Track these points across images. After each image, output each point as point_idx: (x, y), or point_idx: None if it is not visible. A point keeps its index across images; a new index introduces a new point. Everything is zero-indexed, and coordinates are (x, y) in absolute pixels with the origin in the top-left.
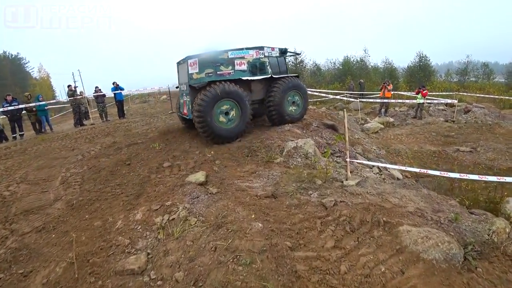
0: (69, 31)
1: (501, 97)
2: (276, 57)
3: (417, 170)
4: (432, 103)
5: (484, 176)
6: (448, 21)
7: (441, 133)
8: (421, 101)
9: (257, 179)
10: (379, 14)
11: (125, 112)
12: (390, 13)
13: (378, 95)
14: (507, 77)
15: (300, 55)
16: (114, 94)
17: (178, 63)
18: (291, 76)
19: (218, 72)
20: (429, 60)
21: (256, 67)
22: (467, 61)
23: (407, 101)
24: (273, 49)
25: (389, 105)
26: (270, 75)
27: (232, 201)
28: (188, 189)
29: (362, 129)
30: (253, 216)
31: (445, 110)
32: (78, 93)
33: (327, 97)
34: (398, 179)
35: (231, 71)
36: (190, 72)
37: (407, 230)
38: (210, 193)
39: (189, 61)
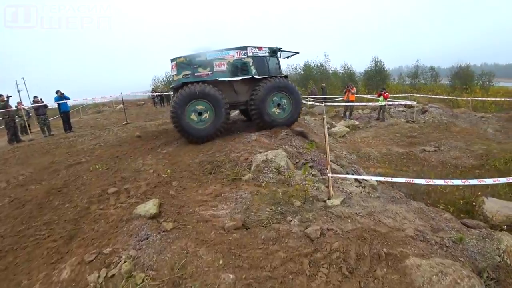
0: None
1: (449, 97)
2: (265, 57)
3: (402, 180)
4: (392, 105)
5: (466, 180)
6: (399, 29)
7: (404, 134)
8: (383, 103)
9: (223, 204)
10: (339, 22)
11: (72, 124)
12: (348, 22)
13: (342, 98)
14: (451, 79)
15: (298, 54)
16: (58, 104)
17: None
18: (278, 76)
19: (195, 74)
20: (383, 64)
21: (238, 67)
22: (417, 65)
23: (370, 103)
24: (260, 48)
25: (353, 108)
26: (251, 76)
27: (192, 240)
28: (136, 226)
29: (329, 133)
30: (221, 261)
31: (405, 111)
32: (13, 103)
33: None
34: (373, 186)
35: (209, 72)
36: (171, 74)
37: (416, 265)
38: (163, 231)
39: (171, 64)
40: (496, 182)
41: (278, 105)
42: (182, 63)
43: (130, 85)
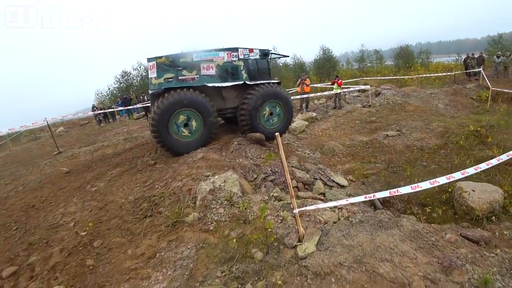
0: None
1: (397, 77)
2: (256, 60)
3: (387, 194)
4: (347, 91)
5: (451, 176)
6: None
7: (364, 120)
8: (338, 91)
9: (159, 272)
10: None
11: None
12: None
13: (296, 91)
14: (394, 59)
15: (288, 57)
16: None
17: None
18: (271, 82)
19: (179, 77)
20: (331, 52)
21: (228, 71)
22: (362, 50)
23: (325, 93)
24: (251, 50)
25: (309, 99)
26: (243, 81)
27: None
28: None
29: (288, 130)
30: None
31: (360, 96)
32: None
33: None
34: (343, 186)
35: (195, 76)
36: (150, 76)
37: None
38: None
39: (149, 64)
40: (478, 170)
41: (271, 114)
42: (163, 64)
43: (71, 101)
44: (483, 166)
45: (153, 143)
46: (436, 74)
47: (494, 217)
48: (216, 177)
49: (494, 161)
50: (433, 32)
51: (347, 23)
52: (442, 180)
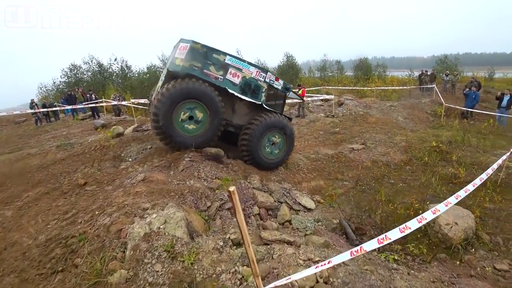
0: None
1: (357, 88)
2: (277, 89)
3: (375, 244)
4: (310, 100)
5: (436, 209)
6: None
7: (327, 131)
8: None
9: None
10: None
11: None
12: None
13: None
14: (354, 70)
15: (303, 102)
16: None
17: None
18: (284, 115)
19: (204, 70)
20: (295, 59)
21: (250, 87)
22: (325, 59)
23: (288, 101)
24: (277, 79)
25: None
26: (261, 103)
27: None
28: None
29: None
30: None
31: (323, 105)
32: None
33: None
34: (310, 209)
35: (220, 76)
36: (175, 55)
37: None
38: None
39: (181, 44)
40: (459, 199)
41: (273, 144)
42: (196, 51)
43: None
44: (462, 193)
45: (91, 154)
46: (393, 88)
47: (469, 246)
48: (154, 216)
49: (470, 187)
50: (388, 48)
51: (310, 32)
52: (429, 216)
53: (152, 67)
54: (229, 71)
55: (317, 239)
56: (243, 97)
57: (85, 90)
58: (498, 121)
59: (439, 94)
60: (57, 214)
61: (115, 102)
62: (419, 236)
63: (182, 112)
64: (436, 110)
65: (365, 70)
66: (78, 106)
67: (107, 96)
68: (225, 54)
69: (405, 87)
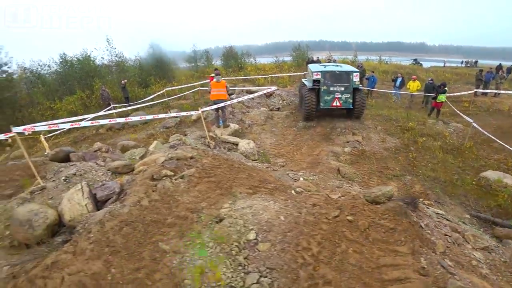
0: None
1: (250, 77)
2: None
3: None
4: (252, 96)
5: None
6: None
7: (300, 128)
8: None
9: None
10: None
11: None
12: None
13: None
14: (223, 60)
15: None
16: None
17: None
18: None
19: None
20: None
21: None
22: (194, 50)
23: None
24: None
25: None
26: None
27: None
28: None
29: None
30: None
31: (254, 98)
32: None
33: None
34: None
35: None
36: (353, 80)
37: None
38: None
39: (354, 74)
40: None
41: None
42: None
43: None
44: None
45: None
46: (288, 74)
47: None
48: None
49: None
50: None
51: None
52: None
53: None
54: None
55: None
56: None
57: None
58: (394, 96)
59: None
60: None
61: None
62: None
63: None
64: None
65: (234, 58)
66: None
67: None
68: None
69: (298, 73)
